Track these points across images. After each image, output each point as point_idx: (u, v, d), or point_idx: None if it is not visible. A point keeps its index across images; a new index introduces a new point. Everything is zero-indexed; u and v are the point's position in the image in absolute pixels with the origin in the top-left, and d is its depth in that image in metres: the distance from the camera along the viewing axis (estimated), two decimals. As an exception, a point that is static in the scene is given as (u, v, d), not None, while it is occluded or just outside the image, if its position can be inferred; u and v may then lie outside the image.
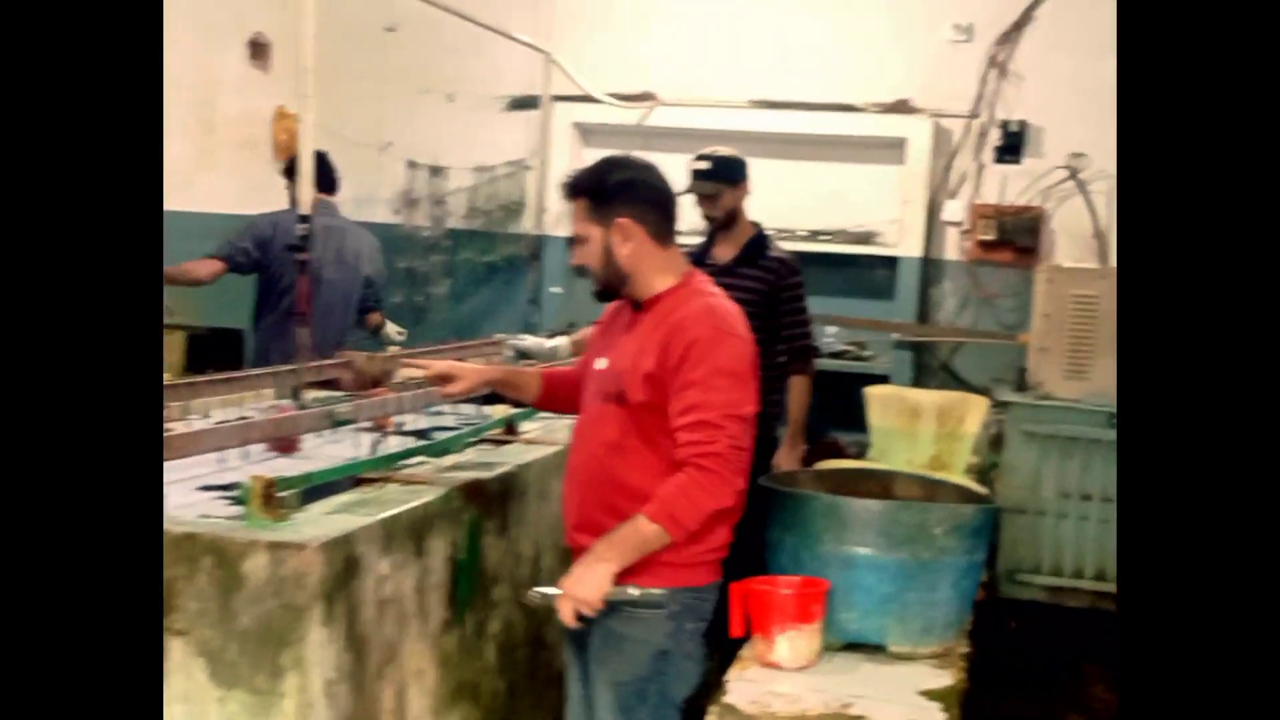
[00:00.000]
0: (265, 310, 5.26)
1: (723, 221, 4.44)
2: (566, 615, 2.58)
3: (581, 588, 2.56)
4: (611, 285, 2.75)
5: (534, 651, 3.25)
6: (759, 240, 4.45)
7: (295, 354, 3.93)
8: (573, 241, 2.85)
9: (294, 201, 5.31)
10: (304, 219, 3.54)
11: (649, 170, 2.78)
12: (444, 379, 3.03)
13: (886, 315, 6.45)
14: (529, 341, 4.58)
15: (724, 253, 4.45)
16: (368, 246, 5.35)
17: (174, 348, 5.32)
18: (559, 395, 3.06)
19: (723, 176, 4.39)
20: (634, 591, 2.56)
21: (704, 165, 4.39)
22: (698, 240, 4.50)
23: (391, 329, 5.57)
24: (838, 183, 6.54)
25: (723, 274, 4.33)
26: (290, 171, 5.35)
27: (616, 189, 2.72)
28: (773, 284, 4.35)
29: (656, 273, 2.73)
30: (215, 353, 5.31)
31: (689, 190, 4.32)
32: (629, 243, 2.70)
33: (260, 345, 5.26)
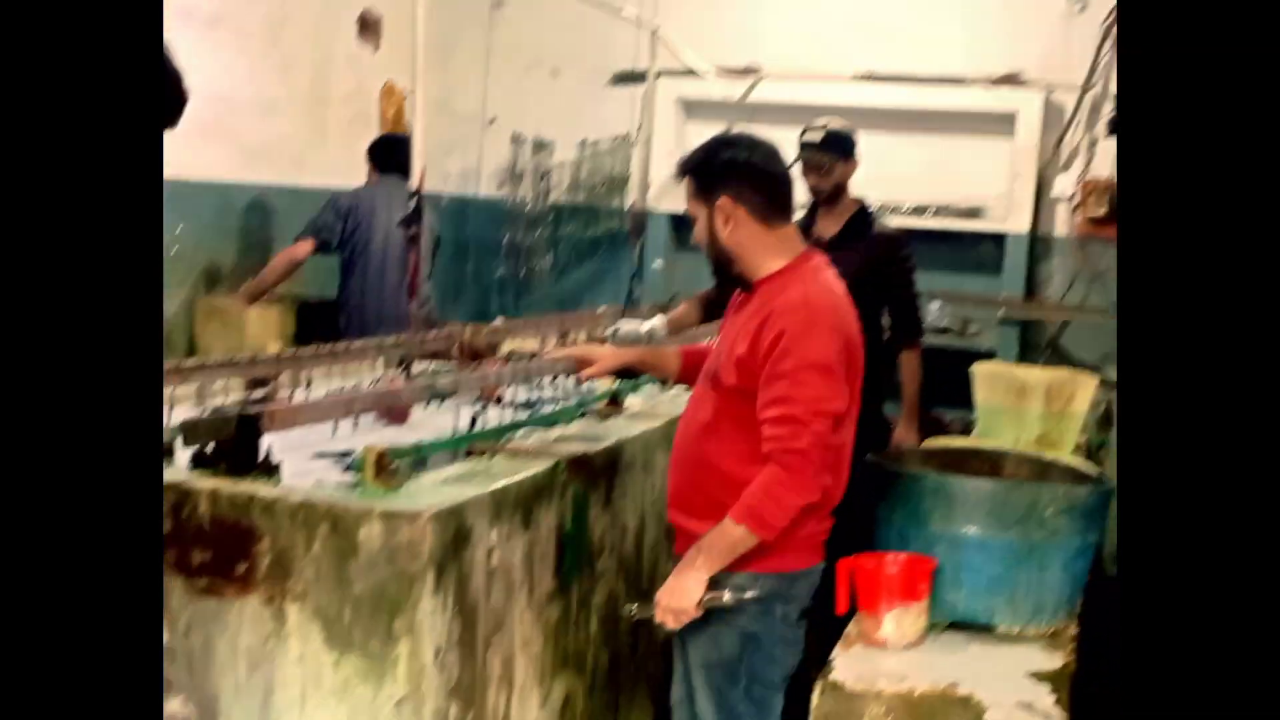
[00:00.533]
0: (349, 283, 5.40)
1: (828, 196, 4.40)
2: (668, 623, 2.62)
3: (676, 598, 2.59)
4: (721, 265, 2.75)
5: (636, 623, 3.27)
6: (863, 215, 4.40)
7: (403, 326, 4.00)
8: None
9: (371, 180, 5.47)
10: (415, 194, 3.59)
11: (758, 149, 2.75)
12: (583, 362, 3.07)
13: (993, 291, 6.34)
14: (625, 328, 4.60)
15: (827, 228, 4.40)
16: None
17: (284, 318, 5.43)
18: (701, 369, 3.06)
19: (835, 149, 4.33)
20: (728, 597, 2.58)
21: (816, 136, 4.34)
22: (799, 215, 4.47)
23: None
24: (945, 157, 6.43)
25: (828, 249, 4.30)
26: (373, 152, 5.47)
27: (719, 169, 2.71)
28: (879, 260, 4.30)
29: (763, 254, 2.71)
30: (323, 323, 5.44)
31: (798, 160, 4.29)
32: (731, 224, 2.69)
33: (346, 317, 5.40)
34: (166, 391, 3.16)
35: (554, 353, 3.36)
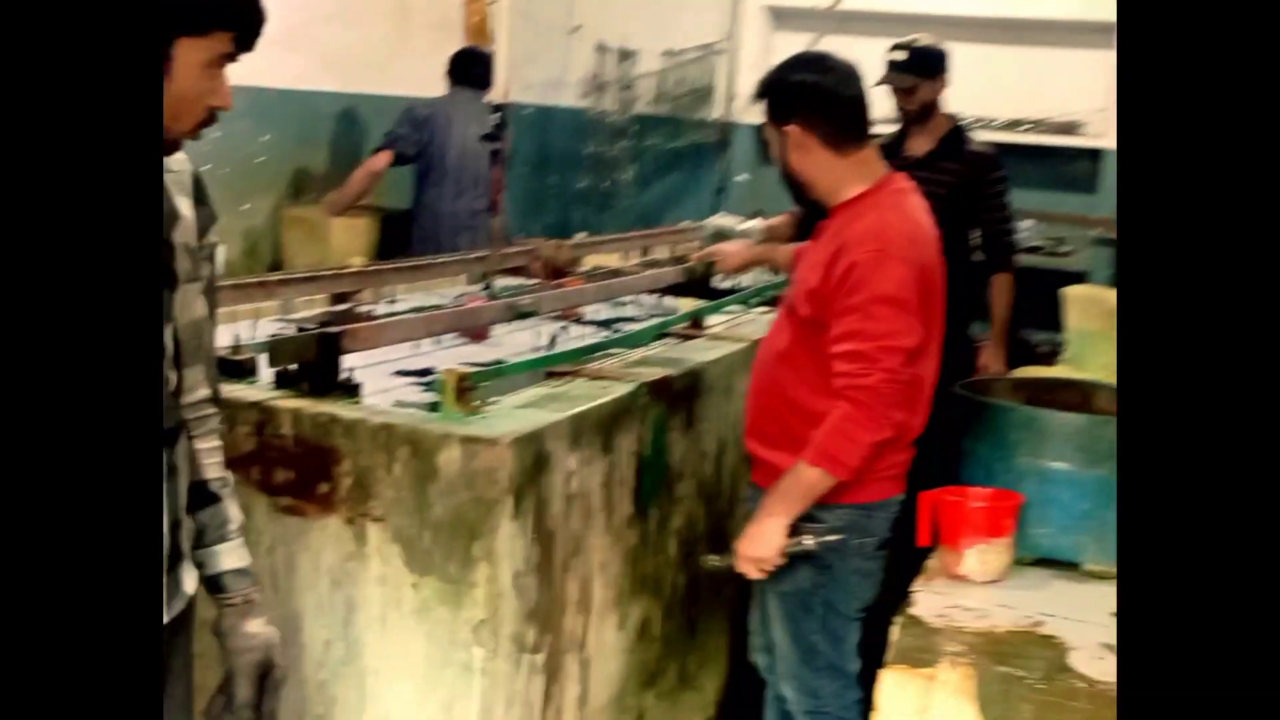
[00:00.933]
0: (423, 195, 5.39)
1: (915, 115, 4.27)
2: (750, 573, 2.60)
3: (756, 546, 2.57)
4: (798, 190, 2.68)
5: (714, 546, 3.26)
6: (956, 133, 4.27)
7: (478, 241, 3.97)
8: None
9: (449, 92, 5.45)
10: (498, 108, 3.54)
11: (831, 71, 2.65)
12: (713, 257, 3.37)
13: (1087, 211, 6.16)
14: (727, 220, 4.55)
15: (918, 145, 4.27)
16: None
17: (369, 229, 5.43)
18: None
19: (920, 69, 4.18)
20: (811, 542, 2.55)
21: (900, 56, 4.19)
22: (893, 130, 4.36)
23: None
24: (1041, 69, 6.24)
25: (918, 168, 4.20)
26: (452, 64, 5.42)
27: (789, 93, 2.63)
28: (970, 179, 4.18)
29: (838, 181, 2.63)
30: (409, 234, 5.45)
31: (883, 82, 4.17)
32: (800, 149, 2.61)
33: (420, 229, 5.40)
34: (252, 306, 3.18)
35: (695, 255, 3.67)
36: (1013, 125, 6.10)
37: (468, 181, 5.30)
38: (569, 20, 6.59)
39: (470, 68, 5.37)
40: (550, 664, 2.49)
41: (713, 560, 2.75)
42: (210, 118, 1.62)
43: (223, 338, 2.78)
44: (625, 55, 6.74)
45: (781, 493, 2.57)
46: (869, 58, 5.77)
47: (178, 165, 1.72)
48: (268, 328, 3.12)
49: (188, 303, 1.77)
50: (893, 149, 4.23)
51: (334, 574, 2.36)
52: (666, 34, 6.70)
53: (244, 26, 1.57)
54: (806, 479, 2.54)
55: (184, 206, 1.72)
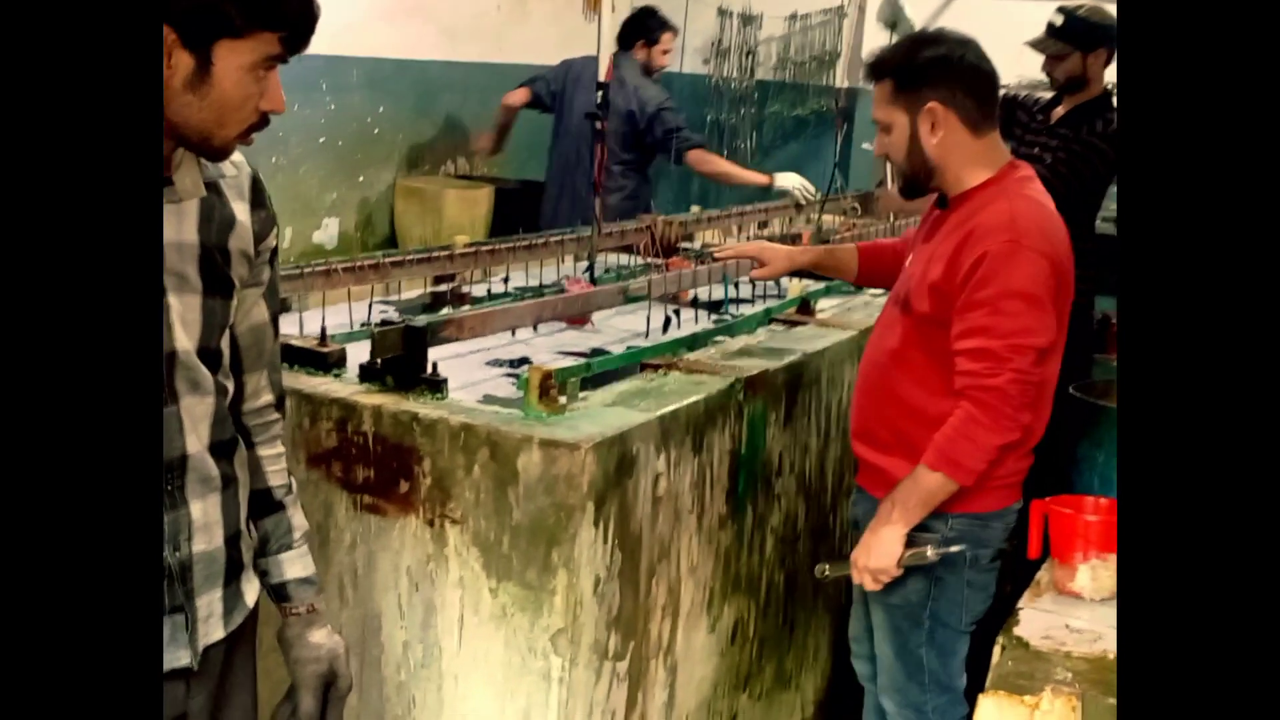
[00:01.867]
0: (553, 159, 5.30)
1: (1064, 85, 4.08)
2: (867, 584, 2.47)
3: (875, 558, 2.43)
4: (918, 179, 2.51)
5: (815, 543, 3.15)
6: (1101, 101, 4.05)
7: (590, 220, 3.89)
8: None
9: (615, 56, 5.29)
10: (602, 86, 3.44)
11: (967, 47, 2.48)
12: (756, 261, 2.93)
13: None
14: (786, 183, 4.45)
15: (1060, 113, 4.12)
16: (643, 99, 5.20)
17: (482, 202, 5.40)
18: (880, 269, 2.86)
19: (1074, 38, 3.99)
20: (931, 553, 2.42)
21: (1058, 20, 4.02)
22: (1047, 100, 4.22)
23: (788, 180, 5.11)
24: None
25: (1050, 135, 4.03)
26: (622, 31, 5.27)
27: (927, 68, 2.44)
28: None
29: (969, 165, 2.46)
30: (523, 207, 5.38)
31: (1033, 43, 4.04)
32: (939, 131, 2.43)
33: (549, 199, 5.32)
34: (351, 289, 3.15)
35: (723, 250, 3.18)
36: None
37: (587, 151, 5.19)
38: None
39: (633, 27, 5.23)
40: (634, 670, 2.41)
41: (826, 569, 2.62)
42: (262, 121, 1.55)
43: (315, 324, 2.77)
44: (748, 19, 6.58)
45: (900, 500, 2.42)
46: (1003, 21, 5.52)
47: (233, 169, 1.66)
48: (362, 312, 3.09)
49: (247, 308, 1.72)
50: (1036, 111, 4.09)
51: (413, 575, 2.32)
52: (792, -2, 6.52)
53: (290, 26, 1.50)
54: (926, 485, 2.40)
55: (240, 211, 1.66)
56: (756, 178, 5.07)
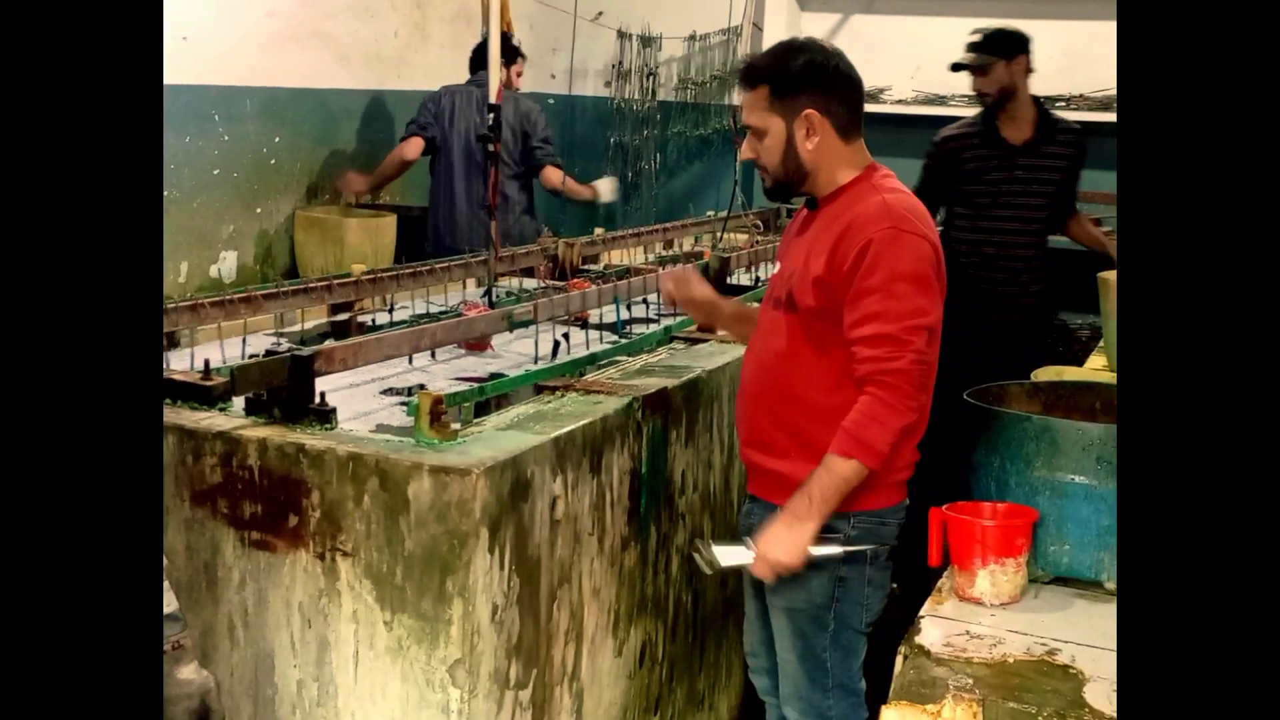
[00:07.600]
0: (437, 188, 5.29)
1: (996, 100, 4.28)
2: (765, 576, 2.45)
3: (785, 552, 2.40)
4: (790, 183, 2.52)
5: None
6: (1049, 115, 4.38)
7: (484, 245, 3.86)
8: (742, 133, 2.61)
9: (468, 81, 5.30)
10: (494, 108, 3.41)
11: (839, 57, 2.51)
12: (677, 290, 2.82)
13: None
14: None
15: (1015, 133, 4.33)
16: (524, 112, 5.24)
17: (385, 230, 5.33)
18: None
19: (994, 47, 4.24)
20: (837, 550, 2.41)
21: (976, 37, 4.29)
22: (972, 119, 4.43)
23: (604, 186, 5.51)
24: (1079, 45, 6.01)
25: (1024, 155, 4.23)
26: (474, 61, 5.28)
27: (803, 76, 2.46)
28: (1074, 159, 4.35)
29: (839, 168, 2.49)
30: (424, 233, 5.34)
31: (959, 64, 4.29)
32: (814, 136, 2.45)
33: (434, 226, 5.31)
34: (239, 322, 3.09)
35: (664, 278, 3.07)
36: (1049, 102, 5.89)
37: (477, 176, 5.17)
38: (590, 7, 6.45)
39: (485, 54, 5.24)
40: (538, 697, 2.37)
41: (715, 562, 2.45)
42: None
43: (200, 359, 2.70)
44: (647, 41, 6.60)
45: (815, 494, 2.39)
46: (897, 37, 5.59)
47: None
48: (257, 344, 3.03)
49: None
50: (989, 138, 4.22)
51: (305, 611, 2.26)
52: (689, 17, 6.54)
53: None
54: (841, 473, 2.37)
55: None
56: (584, 191, 5.42)
